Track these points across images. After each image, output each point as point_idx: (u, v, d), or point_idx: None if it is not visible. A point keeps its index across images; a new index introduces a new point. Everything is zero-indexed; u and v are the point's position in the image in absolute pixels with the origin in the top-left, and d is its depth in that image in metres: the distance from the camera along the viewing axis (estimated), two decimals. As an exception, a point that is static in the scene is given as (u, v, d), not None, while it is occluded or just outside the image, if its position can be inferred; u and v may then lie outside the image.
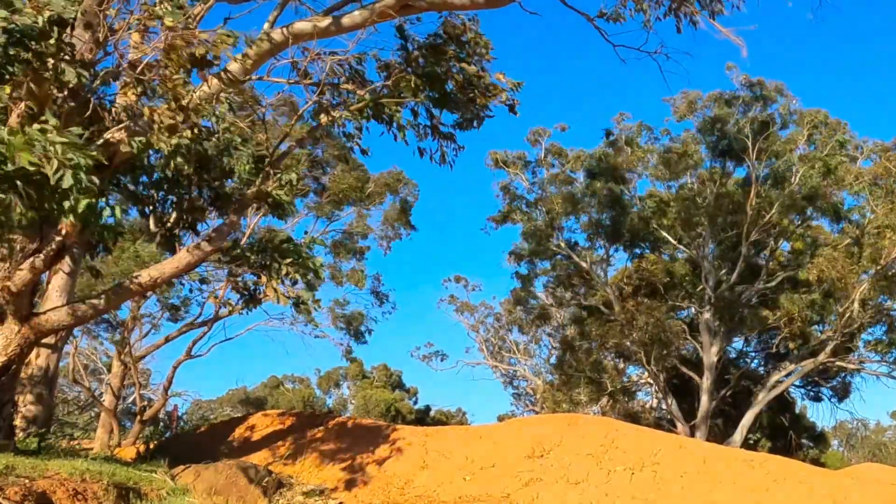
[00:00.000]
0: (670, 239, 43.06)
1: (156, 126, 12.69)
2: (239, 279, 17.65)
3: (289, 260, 16.27)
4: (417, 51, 17.69)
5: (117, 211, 11.96)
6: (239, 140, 17.40)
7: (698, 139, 42.94)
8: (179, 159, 15.01)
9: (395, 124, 17.72)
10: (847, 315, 38.64)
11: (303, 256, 16.61)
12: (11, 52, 11.53)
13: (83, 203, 10.69)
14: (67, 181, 10.27)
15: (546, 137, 46.98)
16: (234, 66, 15.06)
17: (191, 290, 37.19)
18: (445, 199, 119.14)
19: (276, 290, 16.37)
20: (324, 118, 16.91)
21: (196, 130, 14.37)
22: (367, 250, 45.49)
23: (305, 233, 39.04)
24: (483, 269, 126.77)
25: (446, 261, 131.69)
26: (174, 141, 13.11)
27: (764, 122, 40.93)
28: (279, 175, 16.46)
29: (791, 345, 43.07)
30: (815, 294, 40.48)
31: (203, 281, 30.67)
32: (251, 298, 17.56)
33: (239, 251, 17.07)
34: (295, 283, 16.70)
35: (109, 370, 42.56)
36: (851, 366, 42.71)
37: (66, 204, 10.63)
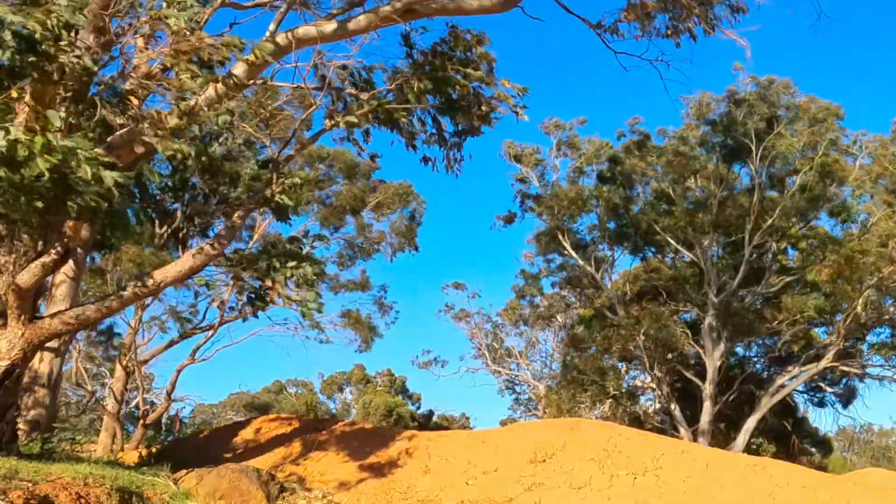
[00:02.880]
0: (673, 243, 43.04)
1: (159, 129, 12.69)
2: (244, 282, 17.65)
3: (292, 263, 16.28)
4: (422, 57, 17.70)
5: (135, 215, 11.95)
6: (244, 145, 17.46)
7: (705, 141, 42.96)
8: (190, 163, 15.03)
9: (403, 131, 17.74)
10: (850, 319, 38.66)
11: (303, 256, 16.63)
12: (21, 56, 11.56)
13: (109, 178, 10.70)
14: (86, 173, 10.31)
15: (561, 132, 46.97)
16: (238, 70, 15.08)
17: (196, 296, 37.23)
18: (450, 204, 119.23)
19: (281, 293, 16.39)
20: (328, 122, 16.90)
21: (200, 134, 14.39)
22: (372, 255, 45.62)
23: (306, 233, 39.04)
24: (485, 275, 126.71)
25: (449, 265, 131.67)
26: (178, 146, 13.09)
27: (768, 122, 40.81)
28: (283, 180, 16.44)
29: (795, 348, 43.08)
30: (818, 298, 40.49)
31: (208, 286, 30.69)
32: (257, 301, 17.54)
33: (244, 255, 17.09)
34: (299, 285, 16.71)
35: (112, 374, 42.56)
36: (855, 370, 42.69)
37: (90, 198, 10.65)
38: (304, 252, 17.05)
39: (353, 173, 40.97)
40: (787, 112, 41.14)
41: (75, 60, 12.13)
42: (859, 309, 38.28)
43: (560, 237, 45.90)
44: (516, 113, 17.99)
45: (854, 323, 38.89)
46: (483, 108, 18.02)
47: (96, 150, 10.81)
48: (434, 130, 18.49)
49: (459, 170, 19.04)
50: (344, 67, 17.11)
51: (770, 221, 40.21)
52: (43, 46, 11.66)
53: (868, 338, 43.03)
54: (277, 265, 16.37)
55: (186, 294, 39.31)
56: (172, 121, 12.69)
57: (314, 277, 16.37)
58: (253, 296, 17.38)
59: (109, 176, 10.52)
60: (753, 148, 40.17)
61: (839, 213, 42.41)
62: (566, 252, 46.39)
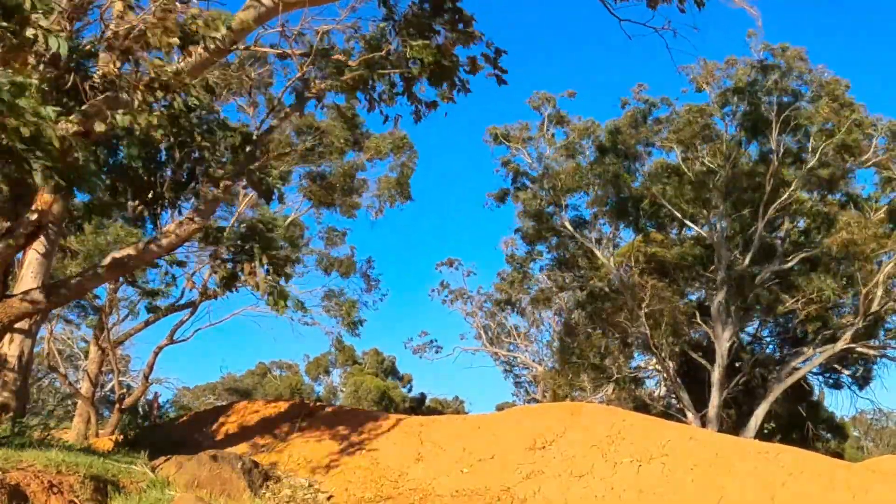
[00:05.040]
0: (680, 216, 42.94)
1: (135, 102, 12.66)
2: (220, 260, 17.66)
3: (273, 252, 16.30)
4: (403, 21, 17.65)
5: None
6: (223, 117, 17.39)
7: (716, 111, 42.79)
8: (159, 132, 14.96)
9: (373, 93, 17.73)
10: (869, 298, 38.70)
11: (277, 248, 16.67)
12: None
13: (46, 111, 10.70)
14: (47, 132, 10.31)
15: (551, 106, 46.68)
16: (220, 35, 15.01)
17: (166, 274, 37.14)
18: (440, 181, 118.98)
19: (256, 276, 16.41)
20: (313, 88, 16.86)
21: (177, 105, 14.33)
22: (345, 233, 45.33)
23: (294, 212, 39.10)
24: (480, 253, 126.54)
25: (442, 247, 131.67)
26: (150, 120, 13.05)
27: (789, 94, 40.70)
28: (267, 155, 16.40)
29: (809, 328, 43.11)
30: (835, 275, 40.62)
31: (180, 264, 30.63)
32: (230, 279, 17.57)
33: (223, 235, 17.08)
34: (276, 272, 16.74)
35: (86, 356, 42.53)
36: (873, 352, 42.75)
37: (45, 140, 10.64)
38: (280, 239, 17.06)
39: (344, 149, 40.61)
40: (809, 87, 41.04)
41: (53, 32, 12.06)
42: (880, 290, 38.38)
43: (556, 214, 45.85)
44: (497, 77, 17.97)
45: (871, 301, 38.94)
46: (465, 70, 18.01)
47: (69, 119, 10.76)
48: (402, 90, 18.41)
49: (426, 114, 18.92)
50: (331, 33, 17.08)
51: (786, 194, 40.18)
52: (11, 9, 11.58)
53: (885, 324, 43.16)
54: (257, 252, 16.39)
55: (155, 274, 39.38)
56: (143, 97, 12.65)
57: (289, 272, 16.39)
58: (226, 276, 17.40)
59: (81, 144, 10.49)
60: (774, 117, 40.07)
61: (854, 200, 42.66)
62: (563, 230, 46.27)
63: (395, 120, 18.93)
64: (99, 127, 13.32)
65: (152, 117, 12.90)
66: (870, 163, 41.07)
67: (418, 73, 17.93)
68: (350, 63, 16.87)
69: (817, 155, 39.84)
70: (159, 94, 12.85)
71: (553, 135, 46.61)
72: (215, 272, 18.24)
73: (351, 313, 45.52)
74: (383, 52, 17.16)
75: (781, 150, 40.65)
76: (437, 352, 63.47)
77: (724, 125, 42.57)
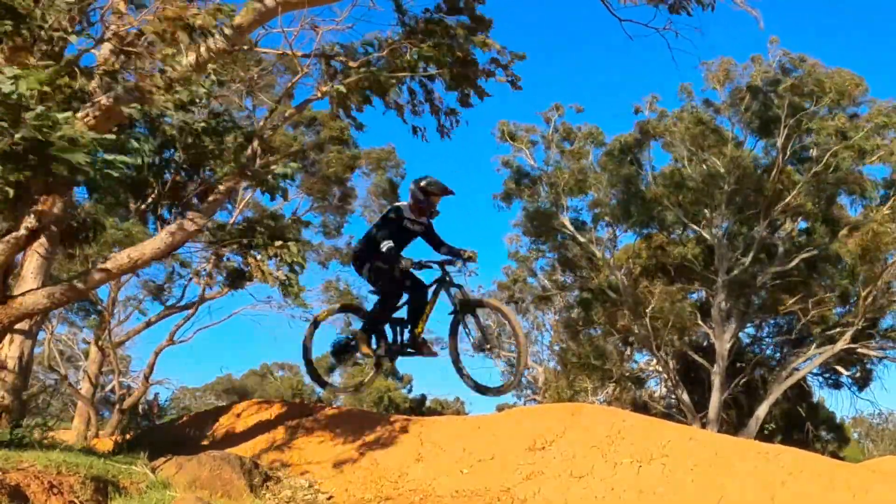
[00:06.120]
0: (682, 218, 42.97)
1: (153, 88, 12.67)
2: (224, 259, 17.64)
3: (279, 243, 16.25)
4: (415, 23, 17.59)
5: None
6: (227, 118, 17.38)
7: (725, 111, 42.82)
8: (171, 129, 15.01)
9: (390, 101, 17.64)
10: (870, 298, 38.74)
11: (288, 239, 16.61)
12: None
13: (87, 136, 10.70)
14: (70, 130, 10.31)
15: (559, 115, 46.94)
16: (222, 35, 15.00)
17: (172, 272, 37.24)
18: (447, 177, 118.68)
19: (263, 271, 16.35)
20: (317, 93, 16.85)
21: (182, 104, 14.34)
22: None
23: (293, 213, 39.10)
24: (481, 253, 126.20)
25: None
26: (172, 100, 13.05)
27: (803, 97, 40.60)
28: (268, 156, 16.36)
29: (815, 330, 43.18)
30: (844, 277, 40.69)
31: (184, 265, 30.59)
32: (238, 277, 17.55)
33: (225, 232, 17.05)
34: (282, 264, 16.69)
35: (87, 357, 42.60)
36: (873, 353, 42.81)
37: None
38: (289, 230, 17.01)
39: (341, 140, 41.06)
40: (826, 94, 40.88)
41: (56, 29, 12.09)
42: (882, 291, 38.45)
43: (559, 215, 45.93)
44: (511, 82, 17.91)
45: (873, 303, 38.98)
46: (480, 76, 17.92)
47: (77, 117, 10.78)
48: (422, 98, 18.35)
49: (450, 135, 18.89)
50: (332, 33, 17.05)
51: (789, 198, 40.22)
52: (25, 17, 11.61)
53: (882, 323, 43.26)
54: (261, 243, 16.34)
55: (160, 271, 39.46)
56: (160, 82, 12.66)
57: (300, 259, 16.34)
58: (234, 273, 17.38)
59: (89, 136, 10.49)
60: (784, 120, 40.02)
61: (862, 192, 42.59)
62: (565, 231, 46.35)
63: (422, 133, 18.85)
64: (127, 110, 13.31)
65: (168, 101, 12.88)
66: (872, 160, 41.04)
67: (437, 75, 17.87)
68: (352, 65, 16.83)
69: (825, 158, 39.82)
70: (164, 87, 12.85)
71: (559, 137, 46.83)
72: (218, 269, 18.22)
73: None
74: (385, 52, 17.13)
75: (789, 153, 40.69)
76: (442, 348, 63.53)
77: (730, 125, 42.69)
